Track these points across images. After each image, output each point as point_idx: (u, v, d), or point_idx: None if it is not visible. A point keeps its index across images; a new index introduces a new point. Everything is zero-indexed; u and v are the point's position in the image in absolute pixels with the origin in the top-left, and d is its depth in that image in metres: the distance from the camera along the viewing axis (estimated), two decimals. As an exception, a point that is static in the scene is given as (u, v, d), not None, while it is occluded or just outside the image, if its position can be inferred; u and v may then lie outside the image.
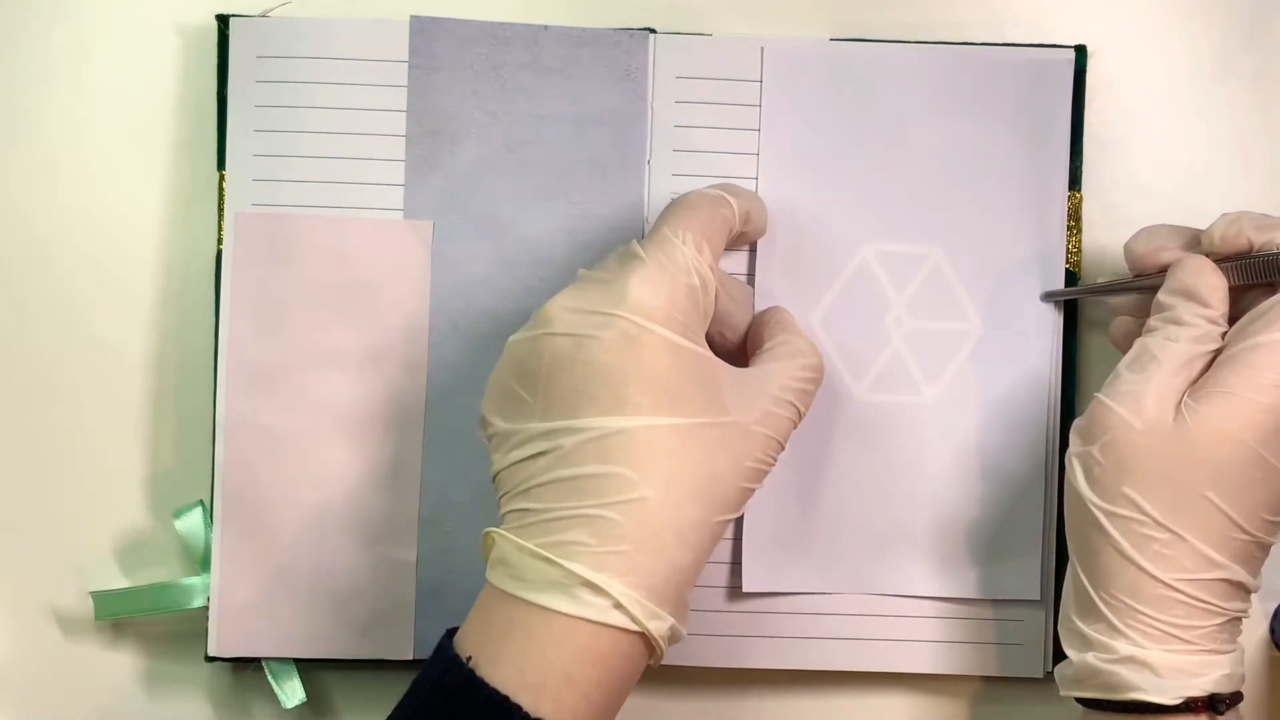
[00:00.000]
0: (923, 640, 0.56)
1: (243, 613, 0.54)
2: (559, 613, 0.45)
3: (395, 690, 0.56)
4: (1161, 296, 0.51)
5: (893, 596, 0.55)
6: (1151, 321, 0.50)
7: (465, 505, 0.55)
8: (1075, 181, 0.56)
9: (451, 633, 0.47)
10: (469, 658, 0.45)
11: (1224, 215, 0.51)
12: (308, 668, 0.55)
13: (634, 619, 0.45)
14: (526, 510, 0.47)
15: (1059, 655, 0.56)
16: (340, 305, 0.55)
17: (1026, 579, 0.55)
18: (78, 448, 0.57)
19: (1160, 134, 0.57)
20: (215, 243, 0.55)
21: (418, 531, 0.55)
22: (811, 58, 0.55)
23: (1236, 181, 0.57)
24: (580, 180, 0.55)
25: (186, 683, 0.57)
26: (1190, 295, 0.50)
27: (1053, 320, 0.56)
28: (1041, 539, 0.55)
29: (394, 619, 0.55)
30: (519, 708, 0.44)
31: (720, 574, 0.55)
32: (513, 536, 0.46)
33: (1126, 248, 0.53)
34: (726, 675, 0.56)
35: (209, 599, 0.55)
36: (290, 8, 0.55)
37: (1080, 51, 0.56)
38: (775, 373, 0.50)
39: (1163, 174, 0.57)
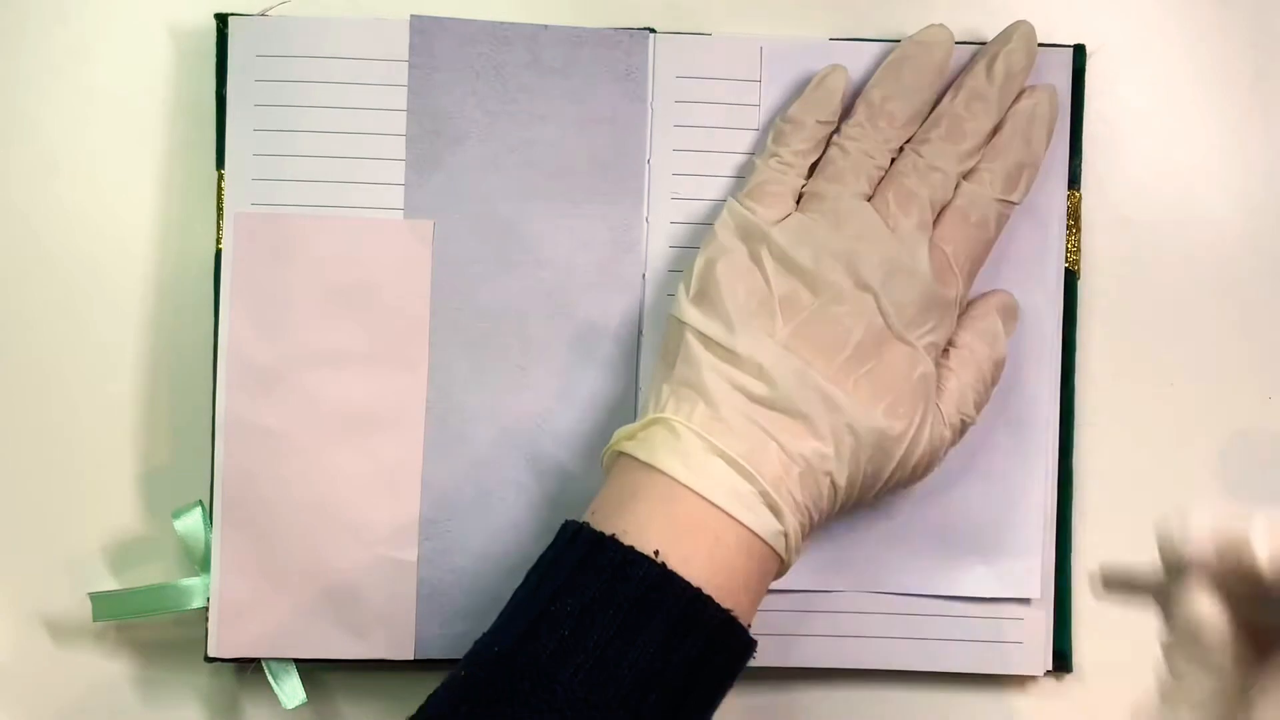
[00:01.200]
0: (922, 638, 0.56)
1: (242, 613, 0.54)
2: (743, 524, 0.47)
3: (395, 690, 0.56)
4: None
5: (892, 594, 0.55)
6: None
7: (466, 505, 0.55)
8: (1075, 180, 0.56)
9: (573, 524, 0.48)
10: (656, 551, 0.46)
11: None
12: (308, 668, 0.55)
13: (790, 550, 0.48)
14: (715, 409, 0.48)
15: (1059, 654, 0.56)
16: (340, 305, 0.55)
17: (1026, 577, 0.55)
18: (75, 448, 0.56)
19: (1160, 134, 0.57)
20: (215, 242, 0.55)
21: (418, 531, 0.55)
22: (811, 58, 0.55)
23: (1236, 181, 0.57)
24: (580, 180, 0.55)
25: (186, 684, 0.56)
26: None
27: (1053, 319, 0.56)
28: (1041, 537, 0.55)
29: (394, 619, 0.55)
30: (720, 607, 0.45)
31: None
32: (708, 436, 0.48)
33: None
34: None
35: (208, 599, 0.54)
36: (289, 7, 0.55)
37: (1079, 51, 0.56)
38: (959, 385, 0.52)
39: (1163, 174, 0.57)
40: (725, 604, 0.46)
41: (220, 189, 0.55)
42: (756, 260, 0.51)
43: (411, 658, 0.55)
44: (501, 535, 0.55)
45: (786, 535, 0.48)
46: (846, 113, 0.53)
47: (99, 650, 0.57)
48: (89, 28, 0.57)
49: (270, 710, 0.56)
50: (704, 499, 0.47)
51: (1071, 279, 0.56)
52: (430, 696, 0.46)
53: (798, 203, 0.52)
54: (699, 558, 0.46)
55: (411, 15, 0.55)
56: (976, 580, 0.55)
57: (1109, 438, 0.57)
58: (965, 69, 0.54)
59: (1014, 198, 0.53)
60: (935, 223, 0.52)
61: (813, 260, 0.50)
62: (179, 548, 0.56)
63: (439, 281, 0.55)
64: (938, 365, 0.52)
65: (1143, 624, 0.56)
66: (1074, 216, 0.56)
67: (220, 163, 0.55)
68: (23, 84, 0.56)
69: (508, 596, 0.54)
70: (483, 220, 0.55)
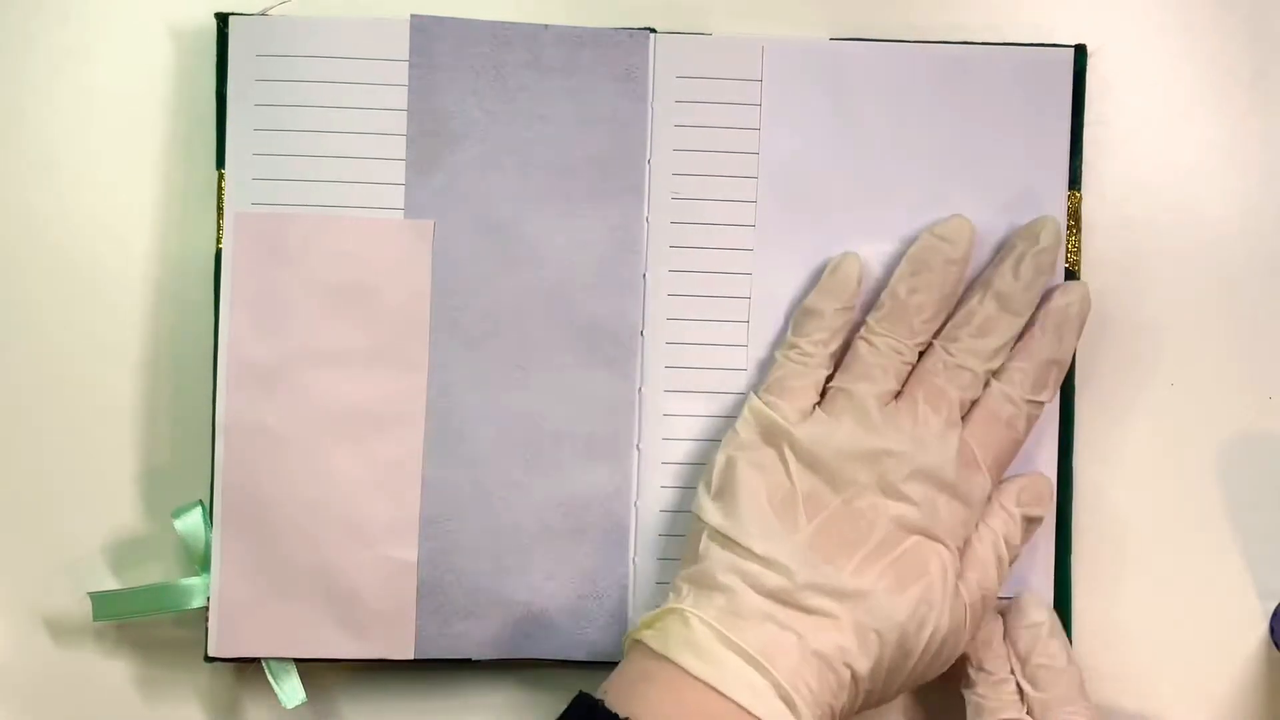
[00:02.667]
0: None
1: (242, 613, 0.54)
2: (755, 716, 0.47)
3: (395, 690, 0.56)
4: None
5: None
6: None
7: (466, 505, 0.55)
8: (1075, 181, 0.56)
9: (588, 699, 0.48)
10: None
11: None
12: (308, 668, 0.55)
13: None
14: (731, 603, 0.48)
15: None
16: (340, 304, 0.55)
17: (1026, 575, 0.55)
18: (76, 447, 0.56)
19: (1160, 134, 0.57)
20: (215, 242, 0.55)
21: (418, 531, 0.55)
22: (812, 57, 0.55)
23: (1236, 181, 0.57)
24: (581, 179, 0.55)
25: (186, 683, 0.56)
26: None
27: (1052, 320, 0.56)
28: (1041, 535, 0.55)
29: (394, 619, 0.55)
30: None
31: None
32: (723, 629, 0.48)
33: None
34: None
35: (208, 599, 0.54)
36: (290, 6, 0.55)
37: (1080, 51, 0.56)
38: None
39: (1163, 174, 0.57)
40: None
41: (220, 188, 0.55)
42: (780, 457, 0.51)
43: (411, 657, 0.55)
44: (502, 534, 0.55)
45: None
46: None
47: (99, 650, 0.57)
48: (89, 27, 0.57)
49: (270, 709, 0.56)
50: (715, 691, 0.47)
51: (1071, 279, 0.56)
52: None
53: (821, 395, 0.52)
54: None
55: (412, 15, 0.55)
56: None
57: (1109, 438, 0.56)
58: (993, 265, 0.54)
59: (1043, 398, 0.53)
60: (965, 419, 0.52)
61: (837, 460, 0.50)
62: (179, 547, 0.56)
63: (439, 281, 0.55)
64: (963, 547, 0.52)
65: (1143, 623, 0.57)
66: (1074, 217, 0.56)
67: (220, 162, 0.55)
68: (23, 83, 0.56)
69: (508, 596, 0.54)
70: (483, 220, 0.55)
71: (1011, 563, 0.53)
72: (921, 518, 0.50)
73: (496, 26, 0.55)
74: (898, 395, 0.52)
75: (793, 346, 0.53)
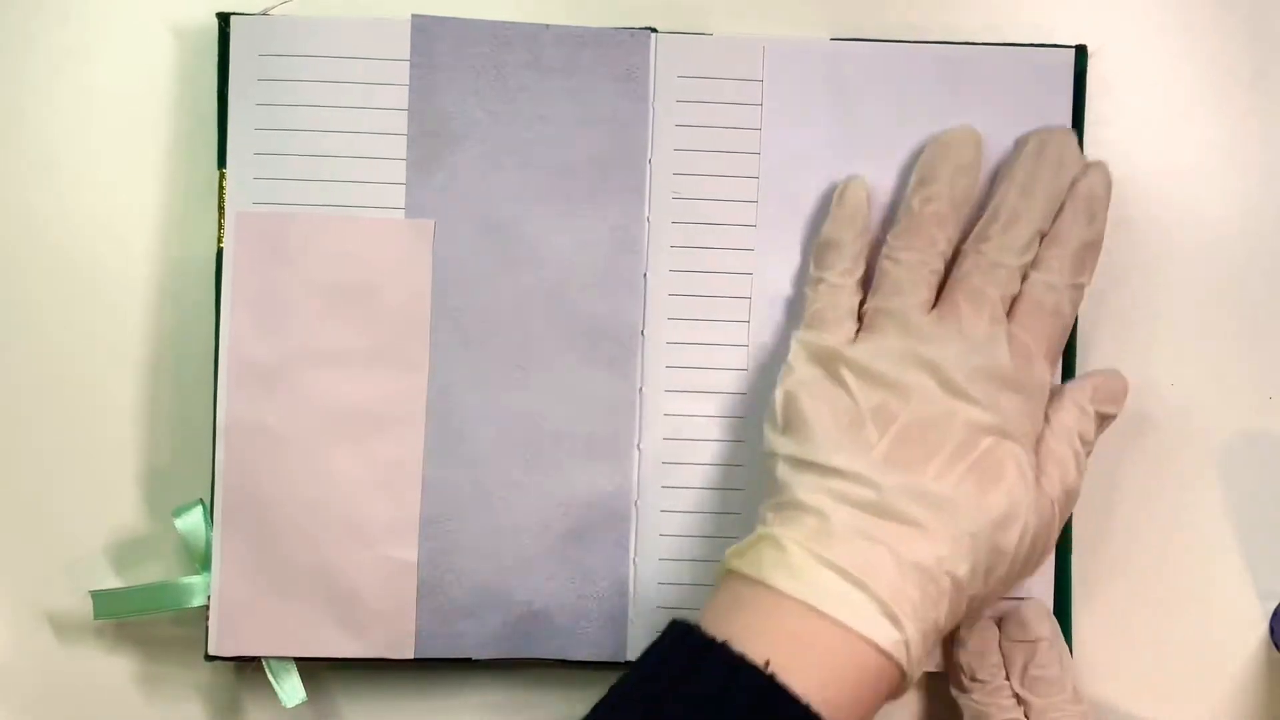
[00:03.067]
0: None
1: (243, 612, 0.54)
2: (858, 633, 0.46)
3: (395, 689, 0.56)
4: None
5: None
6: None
7: (466, 505, 0.55)
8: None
9: (683, 624, 0.46)
10: (767, 662, 0.45)
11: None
12: (308, 667, 0.55)
13: (912, 661, 0.46)
14: (822, 523, 0.48)
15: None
16: (341, 304, 0.55)
17: (1027, 579, 0.55)
18: (77, 446, 0.57)
19: (1160, 134, 0.57)
20: (216, 241, 0.55)
21: (418, 531, 0.55)
22: (813, 57, 0.55)
23: (1236, 181, 0.57)
24: (582, 179, 0.55)
25: (186, 682, 0.57)
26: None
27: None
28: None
29: (395, 618, 0.55)
30: None
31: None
32: (816, 549, 0.47)
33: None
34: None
35: (209, 598, 0.54)
36: (291, 6, 0.55)
37: (1081, 52, 0.56)
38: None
39: (1163, 174, 0.57)
40: (835, 718, 0.44)
41: (222, 188, 0.55)
42: (838, 381, 0.51)
43: (411, 657, 0.55)
44: (502, 535, 0.55)
45: (907, 644, 0.46)
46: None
47: (100, 648, 0.57)
48: (90, 27, 0.57)
49: (270, 708, 0.56)
50: (815, 610, 0.46)
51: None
52: None
53: (859, 322, 0.52)
54: (810, 670, 0.45)
55: (413, 15, 0.55)
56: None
57: (1109, 438, 0.56)
58: (1011, 161, 0.54)
59: (1083, 280, 0.53)
60: (1010, 315, 0.52)
61: (896, 370, 0.50)
62: (180, 546, 0.56)
63: (440, 281, 0.55)
64: (1038, 443, 0.51)
65: (1143, 624, 0.57)
66: (1075, 217, 0.56)
67: (222, 162, 0.55)
68: (23, 82, 0.56)
69: (508, 595, 0.54)
70: (484, 220, 0.55)
71: (1087, 456, 0.53)
72: (990, 417, 0.49)
73: (497, 26, 0.55)
74: (935, 305, 0.52)
75: (819, 280, 0.53)
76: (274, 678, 0.55)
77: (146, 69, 0.57)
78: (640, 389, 0.55)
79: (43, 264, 0.56)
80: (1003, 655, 0.53)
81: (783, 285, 0.55)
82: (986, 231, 0.52)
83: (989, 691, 0.52)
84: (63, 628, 0.57)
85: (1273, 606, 0.55)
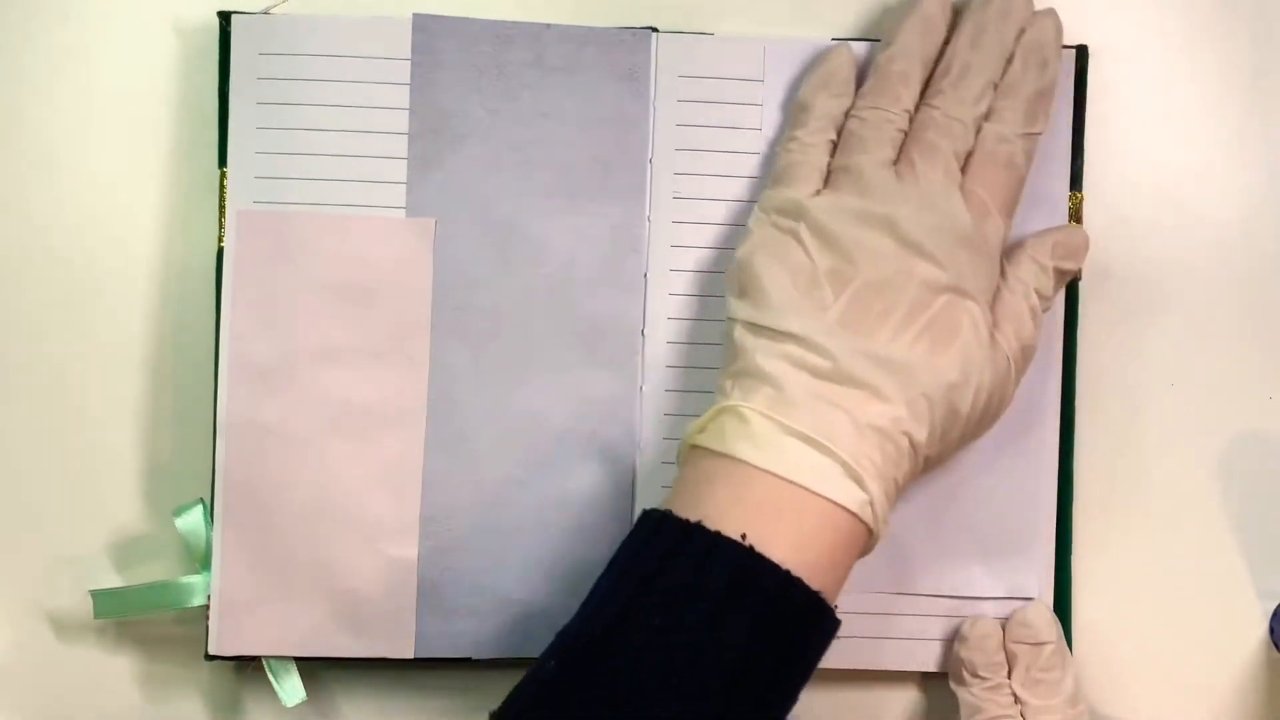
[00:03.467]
0: (923, 638, 0.56)
1: (243, 611, 0.54)
2: (825, 498, 0.46)
3: (395, 688, 0.56)
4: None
5: (891, 595, 0.55)
6: None
7: (467, 503, 0.55)
8: (1076, 181, 0.56)
9: (656, 513, 0.47)
10: (743, 535, 0.45)
11: None
12: (308, 666, 0.55)
13: (878, 518, 0.48)
14: (780, 391, 0.48)
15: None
16: (342, 303, 0.55)
17: (1026, 577, 0.55)
18: (77, 445, 0.56)
19: (1161, 134, 0.57)
20: (216, 240, 0.55)
21: (419, 530, 0.55)
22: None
23: (1237, 182, 0.57)
24: (583, 178, 0.55)
25: (187, 681, 0.57)
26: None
27: (1053, 317, 0.56)
28: (1042, 537, 0.55)
29: (395, 617, 0.55)
30: (809, 587, 0.45)
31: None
32: (777, 417, 0.47)
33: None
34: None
35: (209, 597, 0.54)
36: (292, 5, 0.55)
37: (1081, 52, 0.56)
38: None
39: (1163, 174, 0.57)
40: (814, 583, 0.46)
41: (223, 187, 0.55)
42: (797, 239, 0.51)
43: (411, 656, 0.55)
44: (502, 534, 0.55)
45: (872, 504, 0.47)
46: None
47: (100, 647, 0.57)
48: (91, 26, 0.57)
49: (271, 708, 0.56)
50: (782, 479, 0.46)
51: (1073, 281, 0.56)
52: (516, 690, 0.46)
53: (826, 182, 0.52)
54: (784, 538, 0.46)
55: (414, 13, 0.55)
56: (976, 580, 0.55)
57: (1109, 438, 0.57)
58: (965, 9, 0.54)
59: (1037, 129, 0.52)
60: (964, 169, 0.52)
61: (853, 230, 0.50)
62: (180, 545, 0.56)
63: (440, 280, 0.55)
64: (994, 299, 0.51)
65: (1143, 624, 0.57)
66: (1075, 217, 0.56)
67: (223, 160, 0.55)
68: (25, 81, 0.56)
69: (508, 595, 0.54)
70: (484, 219, 0.55)
71: (1045, 312, 0.53)
72: (944, 274, 0.50)
73: (499, 25, 0.55)
74: (894, 161, 0.52)
75: (791, 139, 0.53)
76: (274, 677, 0.54)
77: (147, 68, 0.57)
78: (641, 388, 0.55)
79: (43, 262, 0.56)
80: (1006, 654, 0.53)
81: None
82: (939, 86, 0.52)
83: (988, 688, 0.52)
84: (63, 627, 0.56)
85: (1273, 606, 0.55)
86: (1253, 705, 0.56)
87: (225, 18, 0.55)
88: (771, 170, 0.53)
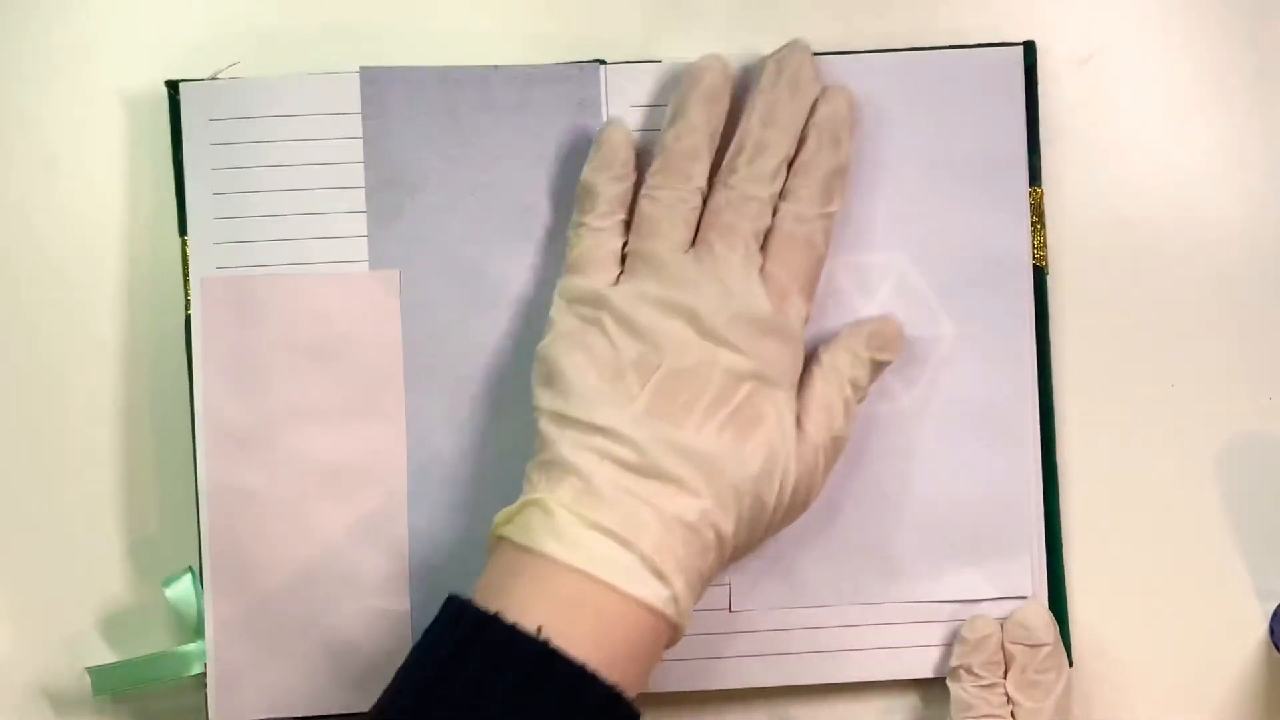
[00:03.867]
0: (918, 645, 0.56)
1: (240, 677, 0.54)
2: (625, 593, 0.46)
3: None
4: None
5: (882, 604, 0.56)
6: None
7: (453, 550, 0.55)
8: (1035, 177, 0.56)
9: (457, 601, 0.47)
10: (539, 629, 0.45)
11: None
12: (309, 725, 0.55)
13: (682, 612, 0.47)
14: (587, 483, 0.48)
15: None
16: (313, 361, 0.55)
17: (1018, 576, 0.55)
18: (61, 521, 0.56)
19: (1160, 134, 0.57)
20: (184, 307, 0.55)
21: (408, 581, 0.55)
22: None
23: (1236, 182, 0.57)
24: (542, 216, 0.55)
25: (190, 751, 0.57)
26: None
27: (1025, 317, 0.56)
28: (1030, 535, 0.55)
29: (390, 670, 0.54)
30: (606, 682, 0.45)
31: (710, 595, 0.55)
32: (581, 511, 0.47)
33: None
34: (728, 696, 0.56)
35: (206, 665, 0.54)
36: (239, 68, 0.55)
37: (1029, 48, 0.56)
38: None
39: (1162, 174, 0.57)
40: (612, 677, 0.45)
41: (185, 255, 0.55)
42: (601, 329, 0.50)
43: (412, 706, 0.55)
44: (492, 577, 0.55)
45: (675, 599, 0.47)
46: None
47: (102, 724, 0.57)
48: (41, 96, 0.57)
49: (276, 769, 0.56)
50: (584, 573, 0.46)
51: (1040, 276, 0.56)
52: None
53: (622, 265, 0.52)
54: (582, 633, 0.45)
55: (361, 66, 0.55)
56: (968, 583, 0.55)
57: (1109, 438, 0.56)
58: (752, 87, 0.53)
59: (833, 208, 0.52)
60: (763, 249, 0.51)
61: (655, 319, 0.50)
62: (172, 615, 0.56)
63: (409, 330, 0.55)
64: (803, 386, 0.52)
65: (1142, 624, 0.57)
66: (1038, 213, 0.56)
67: (183, 229, 0.55)
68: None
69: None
70: (448, 265, 0.55)
71: (859, 403, 0.53)
72: (748, 363, 0.50)
73: (446, 71, 0.55)
74: (689, 243, 0.52)
75: (580, 225, 0.52)
76: (277, 739, 0.55)
77: (98, 139, 0.57)
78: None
79: (14, 340, 0.56)
80: (1003, 654, 0.53)
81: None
82: (734, 164, 0.52)
83: (982, 686, 0.52)
84: (62, 706, 0.56)
85: (1273, 606, 0.55)
86: (1252, 705, 0.56)
87: (173, 86, 0.55)
88: (566, 257, 0.53)
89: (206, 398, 0.54)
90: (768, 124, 0.52)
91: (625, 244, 0.52)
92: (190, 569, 0.55)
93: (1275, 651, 0.56)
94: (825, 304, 0.55)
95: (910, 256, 0.56)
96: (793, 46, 0.53)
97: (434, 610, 0.54)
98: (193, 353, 0.55)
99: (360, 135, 0.55)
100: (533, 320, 0.55)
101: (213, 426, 0.54)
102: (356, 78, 0.55)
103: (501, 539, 0.49)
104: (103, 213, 0.57)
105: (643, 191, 0.52)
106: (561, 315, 0.52)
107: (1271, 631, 0.55)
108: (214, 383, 0.55)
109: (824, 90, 0.53)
